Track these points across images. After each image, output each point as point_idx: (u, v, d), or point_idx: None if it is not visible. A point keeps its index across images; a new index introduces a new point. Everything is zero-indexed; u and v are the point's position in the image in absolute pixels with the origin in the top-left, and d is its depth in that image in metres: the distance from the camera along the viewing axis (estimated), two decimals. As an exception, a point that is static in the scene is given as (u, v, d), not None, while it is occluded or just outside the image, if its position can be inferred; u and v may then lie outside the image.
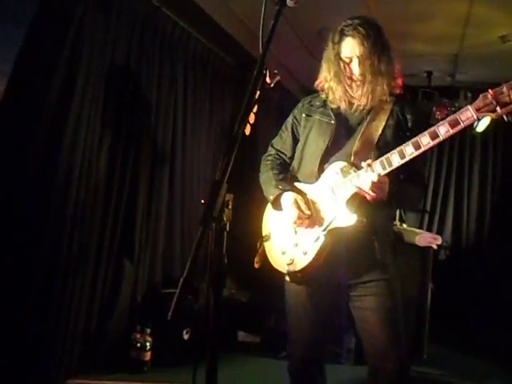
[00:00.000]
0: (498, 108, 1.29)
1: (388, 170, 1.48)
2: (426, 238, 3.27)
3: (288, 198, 1.66)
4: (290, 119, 1.85)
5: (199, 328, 2.86)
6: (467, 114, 1.36)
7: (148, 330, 2.74)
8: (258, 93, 1.00)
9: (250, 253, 2.01)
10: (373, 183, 1.44)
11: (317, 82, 1.74)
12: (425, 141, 1.42)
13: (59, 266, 2.30)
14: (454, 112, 4.08)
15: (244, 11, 3.43)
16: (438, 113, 4.30)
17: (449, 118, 1.38)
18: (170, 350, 2.81)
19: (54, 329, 2.31)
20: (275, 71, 1.12)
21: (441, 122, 1.39)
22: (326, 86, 1.69)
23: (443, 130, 1.39)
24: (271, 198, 1.72)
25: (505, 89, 1.29)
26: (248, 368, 3.01)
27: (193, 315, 2.91)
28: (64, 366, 2.40)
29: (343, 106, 1.67)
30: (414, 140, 1.45)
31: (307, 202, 1.64)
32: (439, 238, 3.27)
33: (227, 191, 0.87)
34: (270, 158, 1.87)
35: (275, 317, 3.50)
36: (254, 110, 0.98)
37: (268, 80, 1.04)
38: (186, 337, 2.92)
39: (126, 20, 2.62)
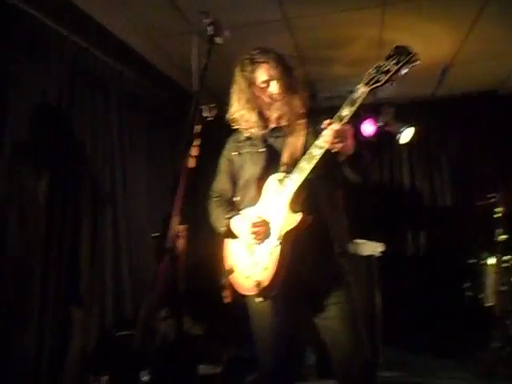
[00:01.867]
0: (381, 77, 1.50)
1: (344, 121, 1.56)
2: (368, 247, 3.44)
3: (237, 219, 1.75)
4: (222, 161, 1.95)
5: (160, 367, 2.78)
6: (360, 91, 1.55)
7: (105, 378, 2.62)
8: (199, 127, 1.05)
9: (204, 285, 2.03)
10: (336, 132, 1.52)
11: (228, 116, 1.84)
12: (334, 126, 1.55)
13: None
14: (380, 127, 4.37)
15: (173, 47, 3.52)
16: (365, 128, 4.61)
17: (347, 100, 1.56)
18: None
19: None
20: (213, 105, 1.19)
21: (342, 106, 1.57)
22: (238, 115, 1.80)
23: (346, 111, 1.55)
24: (222, 229, 1.79)
25: (382, 62, 1.52)
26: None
27: (151, 356, 2.82)
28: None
29: (258, 130, 1.78)
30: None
31: (255, 217, 1.71)
32: (381, 245, 3.45)
33: (180, 223, 0.90)
34: (213, 199, 1.94)
35: (235, 346, 3.49)
36: (197, 143, 1.03)
37: (207, 114, 1.10)
38: (145, 379, 2.82)
39: (55, 63, 2.60)
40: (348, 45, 3.59)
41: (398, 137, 4.57)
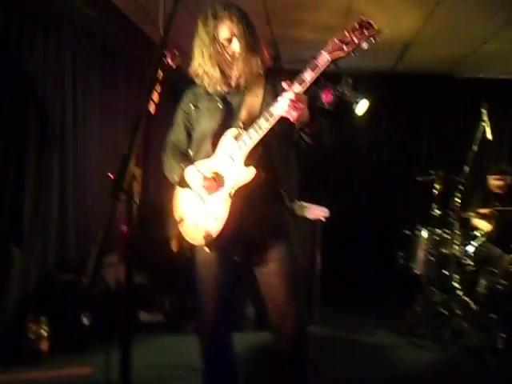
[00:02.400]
0: (344, 47, 1.54)
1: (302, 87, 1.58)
2: (314, 211, 3.58)
3: (191, 168, 1.77)
4: (179, 113, 1.93)
5: (106, 309, 2.80)
6: (323, 57, 1.57)
7: (43, 319, 2.62)
8: (161, 73, 1.04)
9: (150, 233, 2.05)
10: (292, 101, 1.55)
11: (191, 70, 1.81)
12: (296, 89, 1.57)
13: None
14: (338, 96, 4.44)
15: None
16: (323, 96, 4.67)
17: (309, 64, 1.58)
18: (69, 337, 2.72)
19: None
20: (176, 52, 1.17)
21: (304, 70, 1.58)
22: (201, 71, 1.78)
23: (308, 76, 1.58)
24: (176, 177, 1.80)
25: (346, 33, 1.55)
26: (153, 346, 3.04)
27: (92, 298, 2.84)
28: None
29: (220, 87, 1.78)
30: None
31: (209, 170, 1.74)
32: (326, 210, 3.60)
33: (136, 166, 0.91)
34: (168, 151, 1.93)
35: (178, 295, 3.58)
36: (158, 90, 1.03)
37: (170, 61, 1.09)
38: (85, 321, 2.84)
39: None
40: (315, 9, 3.57)
41: (354, 107, 4.69)
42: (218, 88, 1.78)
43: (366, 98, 4.62)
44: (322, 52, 1.57)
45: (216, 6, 1.73)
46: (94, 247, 0.86)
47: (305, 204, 3.71)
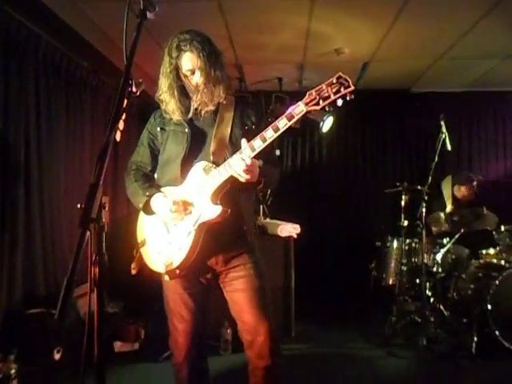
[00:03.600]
0: (320, 101, 1.60)
1: (254, 153, 1.63)
2: (286, 229, 3.61)
3: (158, 197, 1.77)
4: (145, 135, 1.95)
5: (75, 343, 2.71)
6: (299, 108, 1.63)
7: (11, 357, 2.51)
8: (125, 101, 1.05)
9: (121, 262, 2.02)
10: (246, 166, 1.60)
11: (156, 95, 1.85)
12: (269, 134, 1.64)
13: None
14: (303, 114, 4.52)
15: (97, 15, 3.35)
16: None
17: (286, 113, 1.64)
18: (39, 374, 2.61)
19: None
20: (140, 80, 1.19)
21: (280, 117, 1.63)
22: (162, 97, 1.82)
23: (283, 123, 1.63)
24: (141, 205, 1.80)
25: (324, 87, 1.61)
26: (128, 375, 2.96)
27: (62, 332, 2.75)
28: None
29: (178, 116, 1.81)
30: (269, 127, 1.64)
31: (178, 198, 1.74)
32: (298, 227, 3.64)
33: (103, 194, 0.91)
34: (132, 172, 1.93)
35: (152, 322, 3.50)
36: (123, 117, 1.04)
37: (134, 89, 1.10)
38: (57, 357, 2.74)
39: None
40: (276, 31, 3.68)
41: (320, 125, 4.80)
42: (176, 117, 1.81)
43: (330, 115, 4.75)
44: (300, 103, 1.62)
45: (180, 37, 1.76)
46: (64, 278, 0.84)
47: (278, 222, 3.74)
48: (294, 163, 5.54)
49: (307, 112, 1.61)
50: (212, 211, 1.67)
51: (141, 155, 1.94)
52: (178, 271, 1.72)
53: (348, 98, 1.59)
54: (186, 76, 1.78)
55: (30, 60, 2.95)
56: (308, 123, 4.99)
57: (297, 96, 5.11)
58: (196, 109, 1.80)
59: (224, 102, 1.83)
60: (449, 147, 3.54)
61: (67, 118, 3.44)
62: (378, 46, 3.95)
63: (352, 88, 1.58)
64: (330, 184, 5.43)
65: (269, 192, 4.10)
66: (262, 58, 4.26)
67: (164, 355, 3.08)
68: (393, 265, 4.20)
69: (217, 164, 1.71)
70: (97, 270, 0.93)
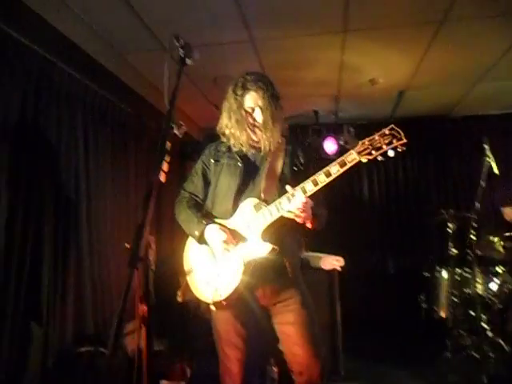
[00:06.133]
0: (373, 151, 1.64)
1: (306, 195, 1.68)
2: (329, 261, 3.54)
3: (214, 227, 1.81)
4: (199, 165, 2.02)
5: (123, 380, 2.73)
6: (352, 156, 1.68)
7: (64, 396, 2.56)
8: (169, 144, 1.10)
9: (166, 300, 2.06)
10: (303, 204, 1.65)
11: (218, 128, 1.96)
12: (321, 178, 1.70)
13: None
14: (341, 145, 4.57)
15: (140, 63, 3.56)
16: (326, 146, 4.79)
17: (339, 160, 1.69)
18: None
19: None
20: (181, 122, 1.25)
21: (332, 163, 1.69)
22: (228, 132, 1.92)
23: (335, 169, 1.68)
24: (197, 233, 1.84)
25: (377, 137, 1.66)
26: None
27: (112, 371, 2.78)
28: None
29: (246, 149, 1.90)
30: (322, 172, 1.70)
31: (231, 230, 1.80)
32: (341, 259, 3.56)
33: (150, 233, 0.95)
34: (184, 199, 1.99)
35: (197, 361, 3.48)
36: (167, 159, 1.09)
37: (176, 132, 1.16)
38: (106, 395, 2.77)
39: (19, 75, 2.58)
40: (311, 66, 3.75)
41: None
42: (244, 149, 1.90)
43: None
44: (352, 152, 1.68)
45: (246, 77, 1.89)
46: (114, 317, 0.87)
47: (320, 255, 3.69)
48: (335, 193, 5.49)
49: (359, 161, 1.66)
50: (262, 249, 1.71)
51: (194, 184, 2.01)
52: (224, 303, 1.75)
53: (400, 150, 1.63)
54: (247, 113, 1.87)
55: (78, 108, 3.15)
56: (346, 150, 4.97)
57: (333, 128, 5.17)
58: (259, 145, 1.88)
59: (279, 140, 1.91)
60: (496, 171, 3.41)
61: (113, 161, 3.61)
62: (413, 73, 3.94)
63: (404, 141, 1.63)
64: (372, 214, 5.33)
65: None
66: (298, 93, 4.34)
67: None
68: (444, 296, 4.00)
69: (267, 202, 1.76)
70: (145, 307, 0.95)
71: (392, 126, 1.65)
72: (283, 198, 1.71)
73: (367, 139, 1.66)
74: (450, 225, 3.69)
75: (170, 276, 2.14)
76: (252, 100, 1.86)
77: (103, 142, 3.47)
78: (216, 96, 2.03)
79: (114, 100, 3.56)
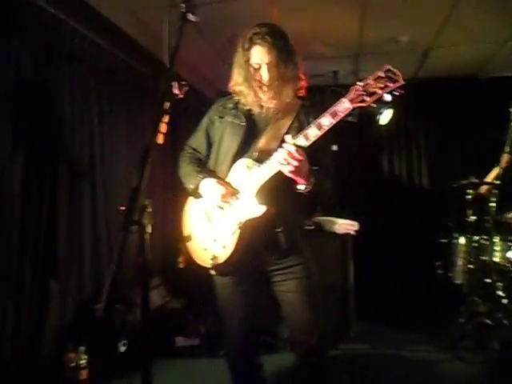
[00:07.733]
0: (367, 98, 1.49)
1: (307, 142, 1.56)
2: (343, 226, 3.52)
3: (210, 180, 1.75)
4: (204, 120, 1.94)
5: (135, 337, 2.85)
6: (343, 105, 1.53)
7: (82, 348, 2.68)
8: (168, 104, 1.07)
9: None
10: (289, 154, 1.53)
11: (230, 85, 1.85)
12: (313, 132, 1.56)
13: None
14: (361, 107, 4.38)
15: (151, 21, 3.46)
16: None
17: (329, 110, 1.54)
18: (107, 365, 2.76)
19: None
20: (183, 82, 1.20)
21: (323, 114, 1.54)
22: (238, 89, 1.81)
23: (327, 121, 1.54)
24: (192, 186, 1.81)
25: (371, 81, 1.49)
26: (187, 369, 3.05)
27: (127, 326, 2.89)
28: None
29: (253, 108, 1.80)
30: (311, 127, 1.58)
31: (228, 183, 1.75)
32: (356, 224, 3.54)
33: (146, 197, 0.94)
34: (187, 154, 1.94)
35: (212, 318, 3.57)
36: (166, 120, 1.05)
37: (176, 91, 1.12)
38: (122, 349, 2.89)
39: (30, 35, 2.54)
40: (331, 23, 3.59)
41: (377, 117, 4.63)
42: (251, 108, 1.80)
43: (390, 107, 4.56)
44: (344, 100, 1.53)
45: (255, 29, 1.73)
46: (106, 278, 0.88)
47: (334, 219, 3.66)
48: (352, 158, 5.37)
49: (352, 109, 1.52)
50: (255, 210, 1.65)
51: (198, 139, 1.94)
52: (223, 266, 1.73)
53: (397, 93, 1.48)
54: (254, 69, 1.74)
55: (91, 68, 3.12)
56: (365, 115, 4.82)
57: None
58: (264, 103, 1.77)
59: (290, 102, 1.78)
60: (521, 136, 3.26)
61: (128, 122, 3.60)
62: (437, 31, 3.73)
63: (401, 83, 1.47)
64: (390, 179, 5.23)
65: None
66: (316, 53, 4.17)
67: (223, 351, 3.12)
68: (460, 263, 3.94)
69: (260, 162, 1.68)
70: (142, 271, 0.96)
71: (388, 67, 1.48)
72: (274, 153, 1.61)
73: (360, 83, 1.50)
74: (469, 191, 3.58)
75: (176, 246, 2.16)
76: (258, 55, 1.70)
77: (118, 103, 3.45)
78: (232, 56, 1.91)
79: (126, 59, 3.51)
